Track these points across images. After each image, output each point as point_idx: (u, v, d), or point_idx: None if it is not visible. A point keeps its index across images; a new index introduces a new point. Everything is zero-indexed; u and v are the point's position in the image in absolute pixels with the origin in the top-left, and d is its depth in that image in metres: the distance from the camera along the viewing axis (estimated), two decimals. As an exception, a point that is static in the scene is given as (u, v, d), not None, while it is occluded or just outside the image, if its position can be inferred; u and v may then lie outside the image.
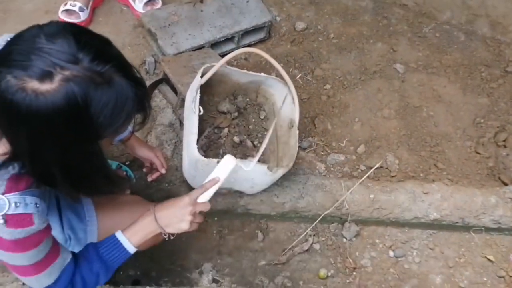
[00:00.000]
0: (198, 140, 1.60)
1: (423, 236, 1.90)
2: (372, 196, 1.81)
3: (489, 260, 1.87)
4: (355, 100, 2.10)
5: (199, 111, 1.53)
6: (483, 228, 1.88)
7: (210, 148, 1.74)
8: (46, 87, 0.80)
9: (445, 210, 1.82)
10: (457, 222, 1.85)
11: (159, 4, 2.22)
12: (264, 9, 2.22)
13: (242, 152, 1.75)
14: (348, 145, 1.98)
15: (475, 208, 1.83)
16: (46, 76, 0.80)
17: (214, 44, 2.12)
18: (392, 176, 1.90)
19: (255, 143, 1.79)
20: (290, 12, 2.37)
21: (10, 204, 0.94)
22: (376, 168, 1.89)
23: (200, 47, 2.07)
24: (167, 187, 1.78)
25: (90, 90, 0.83)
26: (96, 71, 0.84)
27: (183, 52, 2.02)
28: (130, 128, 1.33)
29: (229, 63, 1.90)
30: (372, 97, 2.12)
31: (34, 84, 0.80)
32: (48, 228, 1.05)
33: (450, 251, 1.88)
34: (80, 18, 2.14)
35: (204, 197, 1.26)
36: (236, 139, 1.76)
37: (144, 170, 1.59)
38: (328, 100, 2.10)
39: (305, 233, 1.84)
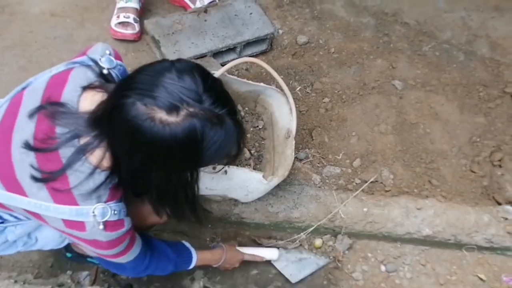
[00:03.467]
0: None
1: (415, 252, 1.90)
2: (365, 209, 1.82)
3: (480, 279, 1.87)
4: (353, 114, 2.12)
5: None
6: (475, 247, 1.88)
7: (207, 155, 1.75)
8: (172, 119, 0.89)
9: (438, 226, 1.83)
10: (449, 239, 1.85)
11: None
12: (267, 21, 2.25)
13: (239, 160, 1.77)
14: (344, 158, 2.00)
15: (468, 226, 1.84)
16: (173, 109, 0.89)
17: (216, 54, 2.16)
18: (387, 191, 1.91)
19: (252, 151, 1.81)
20: (292, 26, 2.41)
21: (111, 212, 1.06)
22: (370, 182, 1.90)
23: (202, 56, 2.11)
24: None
25: (207, 128, 0.92)
26: (214, 113, 0.93)
27: (185, 60, 2.05)
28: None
29: (229, 72, 1.93)
30: (369, 112, 2.14)
31: (162, 115, 0.89)
32: (131, 228, 1.17)
33: (441, 268, 1.88)
34: (135, 29, 2.18)
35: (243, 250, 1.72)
36: (233, 147, 1.78)
37: None
38: (326, 113, 2.12)
39: (297, 239, 1.85)
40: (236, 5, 2.28)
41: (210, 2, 2.31)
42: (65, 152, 1.00)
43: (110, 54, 1.18)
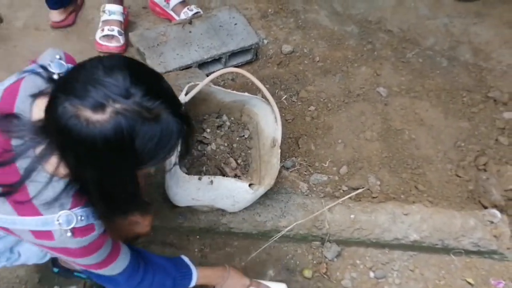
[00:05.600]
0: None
1: (403, 257, 1.91)
2: (352, 216, 1.82)
3: (469, 283, 1.88)
4: (339, 122, 2.14)
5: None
6: (462, 251, 1.90)
7: (193, 165, 1.75)
8: (97, 117, 0.86)
9: (425, 231, 1.84)
10: (436, 244, 1.86)
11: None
12: (252, 32, 2.27)
13: (224, 170, 1.77)
14: (330, 166, 2.01)
15: (455, 230, 1.85)
16: (99, 107, 0.86)
17: (202, 65, 2.17)
18: (374, 197, 1.92)
19: (239, 161, 1.81)
20: (277, 36, 2.43)
21: (77, 218, 1.03)
22: (357, 190, 1.91)
23: (188, 67, 2.12)
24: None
25: (137, 124, 0.88)
26: (145, 107, 0.88)
27: (170, 71, 2.06)
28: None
29: (215, 82, 1.94)
30: (355, 119, 2.15)
31: (87, 113, 0.86)
32: (105, 232, 1.13)
33: (430, 273, 1.89)
34: (120, 42, 2.19)
35: None
36: (219, 157, 1.78)
37: None
38: (312, 121, 2.13)
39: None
40: (220, 16, 2.30)
41: (195, 14, 2.33)
42: (22, 164, 0.98)
43: (60, 59, 1.15)
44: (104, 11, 2.21)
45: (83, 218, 1.04)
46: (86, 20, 2.34)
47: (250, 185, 1.55)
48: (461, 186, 2.02)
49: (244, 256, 1.82)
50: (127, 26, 2.30)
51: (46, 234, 1.03)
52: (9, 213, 1.01)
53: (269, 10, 2.53)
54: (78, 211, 1.04)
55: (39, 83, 1.07)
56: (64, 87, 0.90)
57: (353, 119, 2.16)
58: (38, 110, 1.02)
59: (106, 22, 2.20)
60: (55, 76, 1.08)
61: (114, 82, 0.87)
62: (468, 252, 1.91)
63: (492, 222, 1.88)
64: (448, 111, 2.26)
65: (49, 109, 0.91)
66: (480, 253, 1.91)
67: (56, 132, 0.91)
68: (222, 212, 1.79)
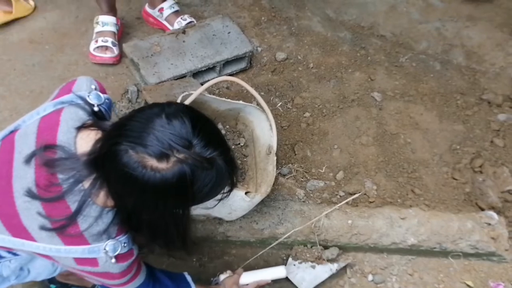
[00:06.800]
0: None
1: (402, 261, 1.91)
2: (350, 221, 1.82)
3: (468, 286, 1.88)
4: (334, 128, 2.14)
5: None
6: (461, 254, 1.90)
7: (190, 174, 1.75)
8: (162, 166, 0.92)
9: (422, 235, 1.84)
10: (434, 247, 1.86)
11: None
12: (245, 40, 2.28)
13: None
14: (327, 172, 2.01)
15: (452, 233, 1.85)
16: (164, 156, 0.92)
17: (196, 74, 2.17)
18: (370, 202, 1.92)
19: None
20: (271, 43, 2.44)
21: (121, 246, 1.08)
22: (354, 195, 1.91)
23: (182, 76, 2.12)
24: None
25: (197, 172, 0.95)
26: (204, 157, 0.95)
27: (165, 81, 2.06)
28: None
29: (209, 91, 1.94)
30: (350, 124, 2.16)
31: (153, 163, 0.91)
32: (138, 255, 1.19)
33: (429, 276, 1.89)
34: (114, 52, 2.19)
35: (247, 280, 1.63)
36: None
37: None
38: (307, 127, 2.13)
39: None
40: (214, 25, 2.31)
41: (188, 23, 2.33)
42: (72, 198, 1.01)
43: (96, 89, 1.19)
44: (97, 23, 2.21)
45: (125, 244, 1.09)
46: (79, 32, 2.34)
47: (246, 193, 1.55)
48: (457, 189, 2.02)
49: (242, 264, 1.82)
50: (121, 37, 2.31)
51: (91, 261, 1.07)
52: (56, 243, 1.04)
53: (262, 18, 2.54)
54: (122, 238, 1.09)
55: (81, 115, 1.10)
56: (125, 134, 0.94)
57: (348, 124, 2.16)
58: (82, 142, 1.05)
59: (100, 33, 2.20)
60: (95, 108, 1.14)
61: (178, 132, 0.93)
62: (466, 255, 1.91)
63: (489, 224, 1.88)
64: (443, 114, 2.26)
65: (109, 155, 0.94)
66: (479, 255, 1.91)
67: (118, 177, 0.95)
68: (219, 220, 1.79)
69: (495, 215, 1.91)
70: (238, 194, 1.55)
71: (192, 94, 1.62)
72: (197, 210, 1.66)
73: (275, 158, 1.67)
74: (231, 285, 1.59)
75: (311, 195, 1.93)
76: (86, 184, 1.01)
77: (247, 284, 1.63)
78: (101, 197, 1.03)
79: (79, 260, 1.06)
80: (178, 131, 0.93)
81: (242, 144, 1.87)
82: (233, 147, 1.86)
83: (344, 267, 1.84)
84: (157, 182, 0.92)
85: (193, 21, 2.36)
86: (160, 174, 0.91)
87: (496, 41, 2.62)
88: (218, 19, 2.35)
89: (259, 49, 2.41)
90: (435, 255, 1.91)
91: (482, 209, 1.97)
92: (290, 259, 1.81)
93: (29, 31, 2.31)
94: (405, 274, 1.89)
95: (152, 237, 1.10)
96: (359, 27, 2.62)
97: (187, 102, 1.61)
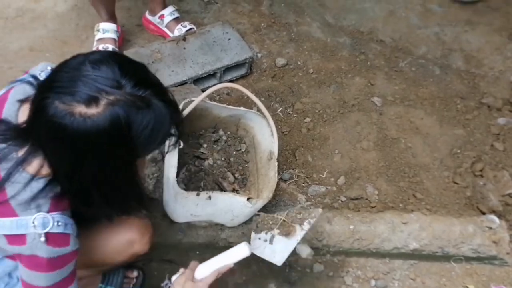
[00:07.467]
0: (179, 173, 1.63)
1: (404, 266, 1.91)
2: (352, 227, 1.82)
3: (470, 289, 1.89)
4: (335, 133, 2.15)
5: (179, 145, 1.56)
6: (463, 258, 1.90)
7: (191, 181, 1.76)
8: (92, 111, 0.87)
9: (424, 239, 1.84)
10: (436, 252, 1.86)
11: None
12: (245, 46, 2.29)
13: (222, 185, 1.77)
14: (328, 177, 2.01)
15: (454, 237, 1.85)
16: (92, 101, 0.87)
17: (197, 80, 2.18)
18: (372, 207, 1.92)
19: (236, 175, 1.82)
20: (271, 49, 2.45)
21: (53, 223, 1.00)
22: (356, 199, 1.92)
23: (183, 83, 2.13)
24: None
25: (132, 113, 0.90)
26: (137, 96, 0.90)
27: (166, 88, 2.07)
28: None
29: (210, 97, 1.95)
30: (351, 129, 2.17)
31: (81, 109, 0.87)
32: (77, 251, 1.08)
33: (431, 281, 1.89)
34: None
35: (205, 272, 1.31)
36: (217, 172, 1.78)
37: None
38: (308, 133, 2.14)
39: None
40: (214, 32, 2.32)
41: (188, 30, 2.35)
42: (3, 166, 0.99)
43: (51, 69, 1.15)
44: (98, 30, 2.22)
45: (60, 223, 1.01)
46: (80, 40, 2.36)
47: (248, 199, 1.55)
48: (458, 193, 2.03)
49: (245, 270, 1.82)
50: (121, 44, 2.32)
51: (19, 238, 1.00)
52: None
53: (262, 24, 2.56)
54: (56, 215, 1.01)
55: (28, 90, 1.08)
56: (51, 87, 0.90)
57: (349, 129, 2.17)
58: (23, 114, 1.02)
59: (100, 40, 2.21)
60: None
61: (104, 75, 0.89)
62: (468, 259, 1.91)
63: (490, 228, 1.88)
64: (443, 118, 2.27)
65: (37, 111, 0.91)
66: (480, 259, 1.91)
67: (48, 132, 0.90)
68: (221, 227, 1.79)
69: (496, 219, 1.91)
70: (240, 200, 1.55)
71: (193, 101, 1.63)
72: (199, 217, 1.67)
73: (276, 163, 1.67)
74: (183, 283, 1.26)
75: (313, 200, 1.93)
76: (21, 152, 0.99)
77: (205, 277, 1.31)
78: (34, 165, 0.98)
79: (9, 238, 1.01)
80: (105, 74, 0.89)
81: (243, 150, 1.88)
82: (234, 153, 1.86)
83: (342, 269, 1.84)
84: (88, 129, 0.87)
85: (193, 28, 2.37)
86: (90, 120, 0.87)
87: (495, 45, 2.64)
88: (218, 26, 2.36)
89: (259, 55, 2.42)
90: (437, 260, 1.91)
91: (483, 213, 1.97)
92: (252, 234, 1.47)
93: (29, 39, 2.32)
94: (407, 279, 1.88)
95: (104, 202, 1.03)
96: (359, 33, 2.64)
97: (189, 108, 1.61)
